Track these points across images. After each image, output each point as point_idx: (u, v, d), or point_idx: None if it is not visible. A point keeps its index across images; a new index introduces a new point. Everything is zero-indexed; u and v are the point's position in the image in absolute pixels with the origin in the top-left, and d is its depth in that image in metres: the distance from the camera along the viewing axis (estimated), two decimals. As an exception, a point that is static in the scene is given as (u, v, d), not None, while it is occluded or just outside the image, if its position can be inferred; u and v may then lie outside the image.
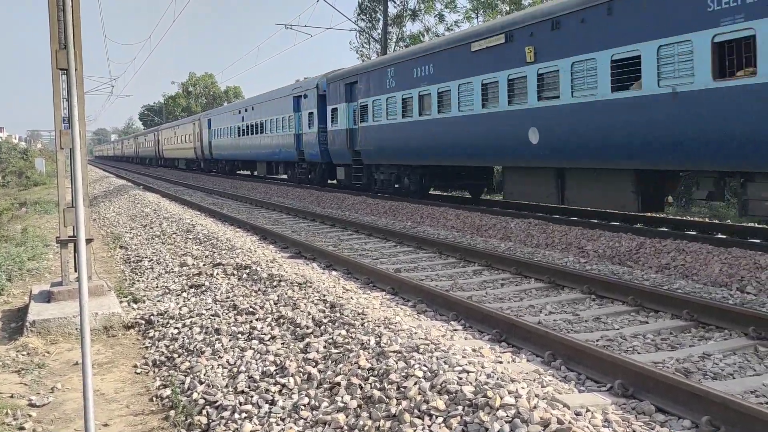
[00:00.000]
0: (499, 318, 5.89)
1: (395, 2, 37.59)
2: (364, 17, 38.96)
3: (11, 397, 5.18)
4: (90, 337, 3.28)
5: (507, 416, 3.64)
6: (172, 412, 4.80)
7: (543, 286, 7.92)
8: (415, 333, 5.16)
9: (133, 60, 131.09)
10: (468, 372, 4.25)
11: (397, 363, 4.53)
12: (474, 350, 4.94)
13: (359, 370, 4.60)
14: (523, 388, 3.95)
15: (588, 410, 3.83)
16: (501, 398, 3.79)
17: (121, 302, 7.93)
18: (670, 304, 6.54)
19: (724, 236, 10.75)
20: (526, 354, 5.29)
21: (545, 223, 12.20)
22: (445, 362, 4.42)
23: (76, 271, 8.16)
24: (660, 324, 6.22)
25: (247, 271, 8.46)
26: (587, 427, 3.56)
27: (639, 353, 5.39)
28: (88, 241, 7.76)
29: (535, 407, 3.68)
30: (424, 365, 4.43)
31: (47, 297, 7.49)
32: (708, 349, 5.43)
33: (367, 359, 4.73)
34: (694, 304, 6.32)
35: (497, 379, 4.11)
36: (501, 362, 4.77)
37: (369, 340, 5.04)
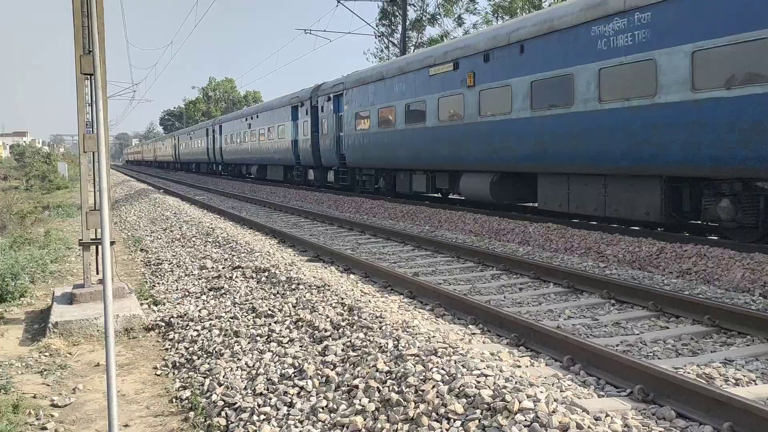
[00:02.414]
0: (518, 322, 5.87)
1: (415, 6, 37.65)
2: (384, 22, 39.07)
3: (34, 397, 5.26)
4: (113, 338, 3.32)
5: (525, 420, 3.63)
6: (191, 414, 4.85)
7: (562, 291, 7.88)
8: (433, 336, 5.16)
9: (155, 65, 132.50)
10: (486, 376, 4.24)
11: (415, 366, 4.53)
12: (492, 354, 4.93)
13: (377, 373, 4.61)
14: (541, 392, 3.93)
15: (608, 415, 3.81)
16: (519, 402, 3.78)
17: (141, 304, 8.01)
18: (691, 309, 6.47)
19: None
20: (544, 358, 5.26)
21: (564, 227, 12.13)
22: (463, 366, 4.42)
23: (98, 273, 8.27)
24: (681, 329, 6.16)
25: (266, 274, 8.51)
26: (607, 431, 3.54)
27: (659, 358, 5.34)
28: (110, 243, 7.86)
29: (554, 411, 3.66)
30: (442, 369, 4.43)
31: (69, 299, 7.59)
32: (730, 354, 5.36)
33: (385, 362, 4.74)
34: (715, 310, 6.24)
35: (516, 383, 4.09)
36: (519, 366, 4.76)
37: (387, 344, 5.05)
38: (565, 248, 10.94)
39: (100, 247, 8.03)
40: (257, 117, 34.67)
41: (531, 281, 8.50)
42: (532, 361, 5.11)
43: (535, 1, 31.52)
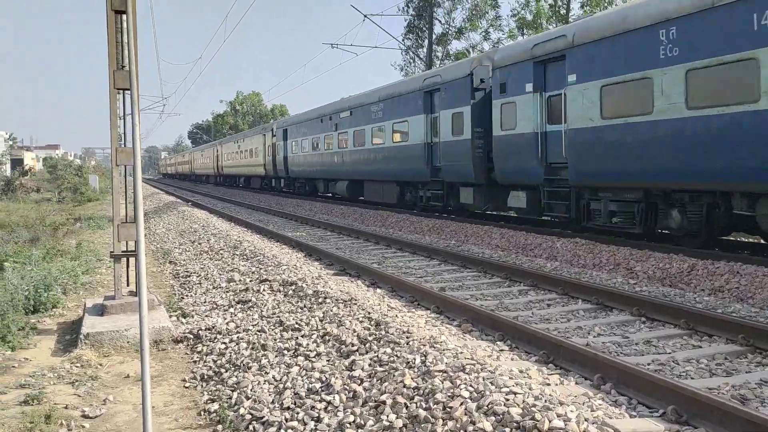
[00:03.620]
0: (547, 339, 5.81)
1: (441, 21, 37.81)
2: (410, 36, 39.28)
3: (66, 407, 5.33)
4: (148, 351, 3.36)
5: (556, 440, 3.58)
6: (219, 427, 4.87)
7: (591, 308, 7.78)
8: (461, 353, 5.13)
9: (184, 79, 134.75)
10: (515, 393, 4.20)
11: (443, 383, 4.50)
12: (521, 371, 4.88)
13: (405, 389, 4.59)
14: (572, 411, 3.88)
15: (640, 436, 3.74)
16: (549, 421, 3.73)
17: (170, 316, 8.10)
18: (724, 328, 6.34)
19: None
20: (574, 376, 5.19)
21: (592, 243, 12.00)
22: (491, 383, 4.38)
23: (128, 285, 8.38)
24: (714, 348, 6.04)
25: (293, 287, 8.54)
26: (639, 453, 3.48)
27: (692, 378, 5.24)
28: (140, 256, 7.96)
29: (585, 431, 3.61)
30: (471, 385, 4.40)
31: (100, 310, 7.69)
32: (766, 375, 5.24)
33: (412, 378, 4.72)
34: (750, 329, 6.10)
35: (545, 401, 4.05)
36: (549, 384, 4.70)
37: (414, 359, 5.03)
38: (594, 264, 10.81)
39: (131, 259, 8.15)
40: (350, 114, 25.36)
41: (559, 297, 8.41)
42: (562, 379, 5.04)
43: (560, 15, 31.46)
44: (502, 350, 5.96)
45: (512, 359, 5.67)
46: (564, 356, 5.52)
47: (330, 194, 30.74)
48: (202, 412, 5.23)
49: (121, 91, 7.37)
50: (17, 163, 69.97)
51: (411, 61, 40.19)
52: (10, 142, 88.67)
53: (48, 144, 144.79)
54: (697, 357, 5.78)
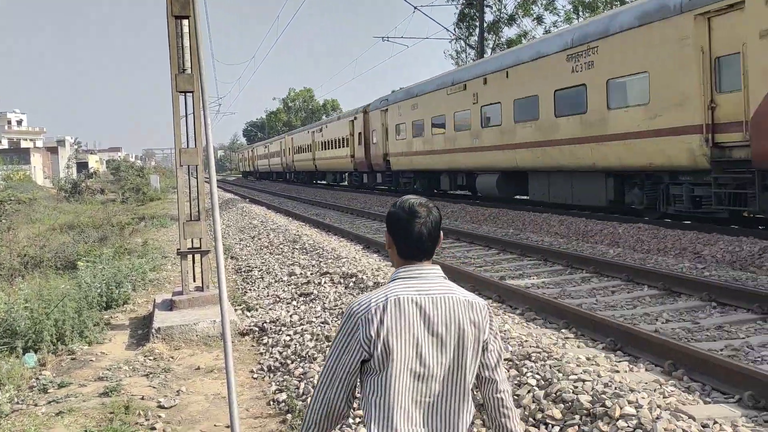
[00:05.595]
0: (614, 326, 5.71)
1: (492, 8, 37.36)
2: (461, 25, 38.94)
3: (142, 398, 5.54)
4: (230, 342, 3.47)
5: (628, 426, 3.53)
6: (288, 416, 4.97)
7: (657, 293, 7.60)
8: (526, 341, 5.10)
9: (239, 78, 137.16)
10: (584, 381, 4.15)
11: (509, 371, 4.48)
12: (588, 359, 4.82)
13: (471, 378, 4.59)
14: (643, 398, 3.81)
15: (716, 422, 3.65)
16: (621, 408, 3.68)
17: (235, 310, 8.30)
18: (801, 311, 6.11)
19: None
20: (644, 363, 5.09)
21: (656, 227, 11.69)
22: (558, 371, 4.34)
23: (194, 280, 8.63)
24: (791, 333, 5.82)
25: (354, 279, 8.63)
26: (716, 440, 3.40)
27: (769, 364, 5.07)
28: (205, 252, 8.19)
29: (658, 418, 3.55)
30: (537, 373, 4.37)
31: (169, 305, 7.95)
32: None
33: (478, 367, 4.71)
34: (829, 312, 5.85)
35: (615, 388, 3.99)
36: (618, 371, 4.62)
37: (479, 348, 5.02)
38: (658, 249, 10.54)
39: (196, 255, 8.38)
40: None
41: (623, 284, 8.24)
42: (631, 366, 4.95)
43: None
44: (567, 338, 5.89)
45: (578, 347, 5.60)
46: (632, 343, 5.42)
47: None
48: (271, 402, 5.35)
49: (183, 93, 7.57)
50: (82, 166, 72.69)
51: (462, 50, 39.89)
52: (76, 146, 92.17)
53: (110, 147, 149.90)
54: (772, 342, 5.58)
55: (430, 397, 1.94)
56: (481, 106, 18.87)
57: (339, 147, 35.35)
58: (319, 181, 44.06)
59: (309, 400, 2.12)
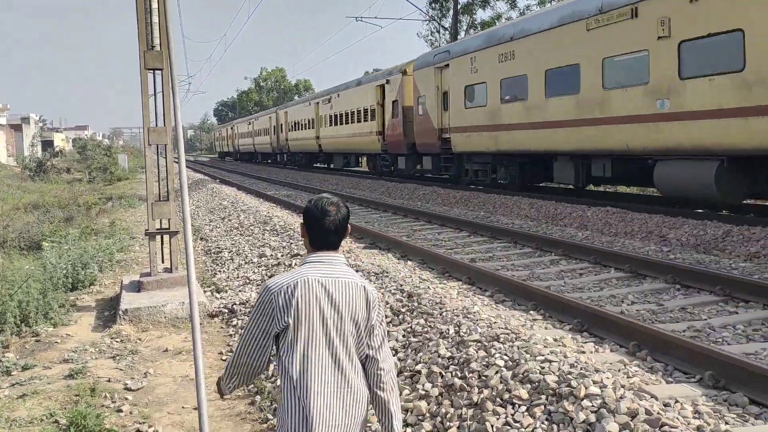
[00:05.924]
0: (581, 308, 5.79)
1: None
2: (434, 6, 38.77)
3: (108, 381, 5.48)
4: (199, 324, 3.43)
5: (592, 406, 3.59)
6: (258, 397, 4.97)
7: (624, 276, 7.72)
8: (495, 323, 5.14)
9: (209, 57, 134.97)
10: (550, 361, 4.20)
11: (477, 352, 4.53)
12: (555, 340, 4.88)
13: (439, 359, 4.63)
14: (608, 378, 3.88)
15: (677, 401, 3.73)
16: (586, 388, 3.74)
17: (204, 292, 8.23)
18: (761, 294, 6.26)
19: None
20: (609, 344, 5.18)
21: (624, 211, 11.86)
22: (526, 351, 4.39)
23: (162, 262, 8.53)
24: (751, 314, 5.96)
25: (324, 261, 8.60)
26: (677, 418, 3.47)
27: (729, 344, 5.19)
28: (174, 233, 8.10)
29: (621, 397, 3.61)
30: (505, 354, 4.42)
31: (137, 287, 7.85)
32: (805, 340, 5.17)
33: (446, 348, 4.75)
34: (788, 294, 6.00)
35: (581, 368, 4.05)
36: (584, 352, 4.70)
37: (448, 330, 5.06)
38: (625, 232, 10.71)
39: (165, 236, 8.28)
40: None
41: (591, 266, 8.36)
42: (597, 347, 5.04)
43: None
44: (535, 320, 5.96)
45: (546, 328, 5.67)
46: (599, 324, 5.50)
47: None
48: (241, 384, 5.34)
49: (152, 71, 7.42)
50: (48, 144, 71.02)
51: (435, 31, 39.78)
52: (41, 124, 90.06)
53: (77, 125, 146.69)
54: (733, 323, 5.72)
55: (331, 358, 2.35)
56: (681, 41, 10.85)
57: (358, 121, 27.42)
58: (319, 165, 36.39)
59: (232, 356, 2.49)
